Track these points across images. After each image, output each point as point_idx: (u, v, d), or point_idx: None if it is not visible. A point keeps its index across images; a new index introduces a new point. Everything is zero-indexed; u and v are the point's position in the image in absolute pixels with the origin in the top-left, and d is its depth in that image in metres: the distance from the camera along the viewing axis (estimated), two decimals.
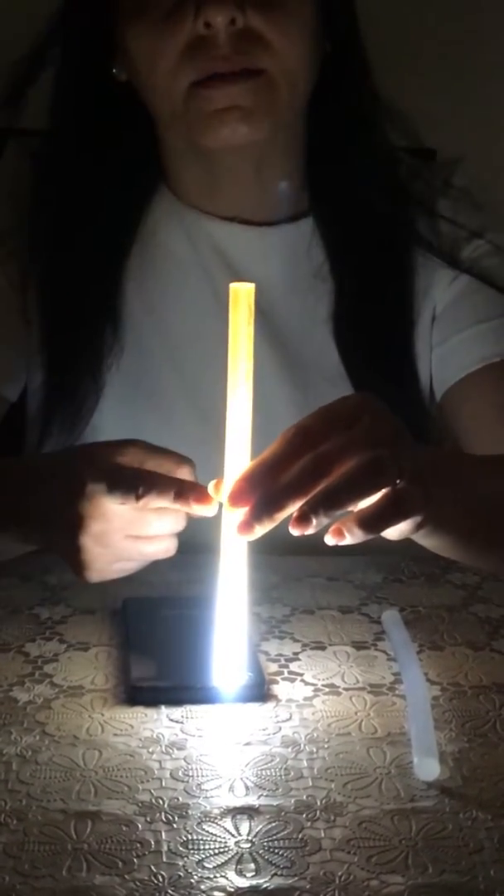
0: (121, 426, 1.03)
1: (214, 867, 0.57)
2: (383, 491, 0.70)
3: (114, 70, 0.98)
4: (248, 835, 0.59)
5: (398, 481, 0.70)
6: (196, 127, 0.94)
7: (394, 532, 0.73)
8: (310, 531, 0.68)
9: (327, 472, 0.68)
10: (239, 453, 0.70)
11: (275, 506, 0.68)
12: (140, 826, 0.60)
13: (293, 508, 0.68)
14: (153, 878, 0.56)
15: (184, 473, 0.75)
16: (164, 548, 0.77)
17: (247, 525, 0.69)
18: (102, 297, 1.02)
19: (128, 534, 0.75)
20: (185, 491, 0.73)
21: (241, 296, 0.70)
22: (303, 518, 0.68)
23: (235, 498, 0.70)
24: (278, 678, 0.77)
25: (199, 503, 0.73)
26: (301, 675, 0.77)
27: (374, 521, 0.69)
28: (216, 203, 1.03)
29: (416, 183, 1.05)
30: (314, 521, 0.68)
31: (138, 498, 0.72)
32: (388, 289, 1.04)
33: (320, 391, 0.75)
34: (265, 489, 0.69)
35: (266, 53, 0.92)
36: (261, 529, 0.69)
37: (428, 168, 1.08)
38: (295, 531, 0.68)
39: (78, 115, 1.00)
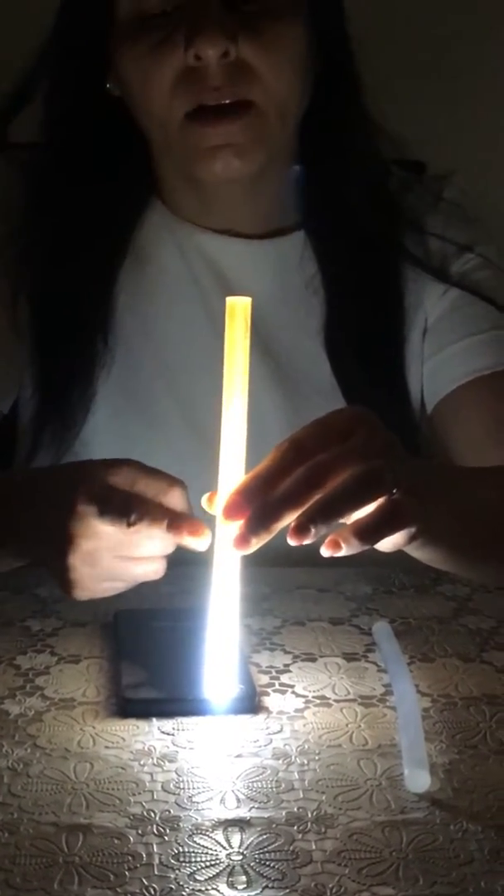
0: (112, 440, 1.03)
1: (206, 879, 0.57)
2: (378, 502, 0.70)
3: (108, 85, 0.98)
4: (239, 847, 0.59)
5: (393, 492, 0.70)
6: (190, 160, 0.96)
7: (387, 544, 0.73)
8: (307, 541, 0.68)
9: (322, 483, 0.69)
10: (233, 466, 0.71)
11: (270, 518, 0.68)
12: (131, 839, 0.60)
13: (288, 520, 0.69)
14: (145, 891, 0.56)
15: (175, 495, 0.74)
16: (154, 569, 0.76)
17: (243, 539, 0.69)
18: (94, 310, 1.02)
19: (117, 554, 0.75)
20: (179, 522, 0.72)
21: (238, 310, 0.70)
22: (301, 528, 0.68)
23: (229, 511, 0.70)
24: (269, 690, 0.77)
25: (193, 535, 0.73)
26: (292, 686, 0.78)
27: (370, 531, 0.70)
28: (208, 217, 1.04)
29: (408, 197, 1.06)
30: (312, 530, 0.68)
31: (129, 525, 0.72)
32: (379, 302, 1.05)
33: (312, 404, 0.76)
34: (260, 502, 0.69)
35: (256, 85, 0.93)
36: (257, 542, 0.69)
37: (420, 182, 1.09)
38: (293, 541, 0.68)
39: (71, 128, 1.00)
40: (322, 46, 0.97)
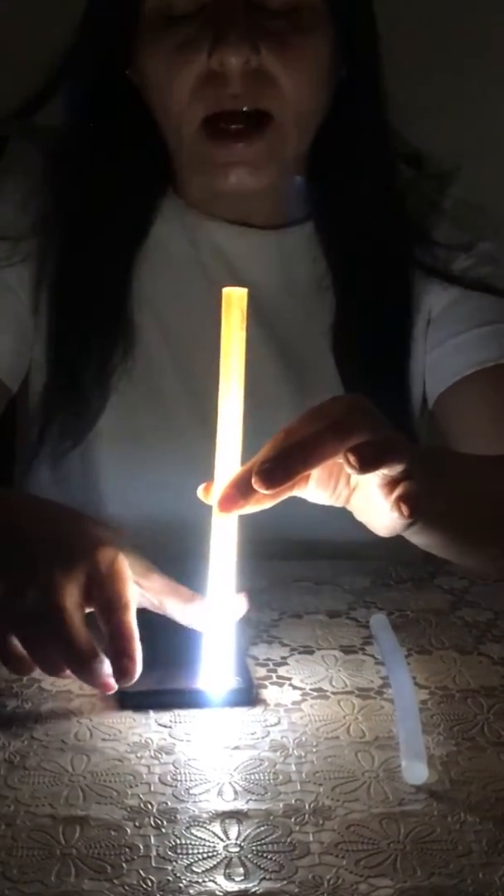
0: (122, 431, 1.03)
1: (203, 871, 0.57)
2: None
3: (126, 72, 0.98)
4: (236, 839, 0.59)
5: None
6: (204, 171, 0.96)
7: (386, 524, 0.72)
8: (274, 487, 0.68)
9: (343, 439, 0.68)
10: (230, 457, 0.70)
11: (289, 466, 0.68)
12: (129, 831, 0.60)
13: (303, 472, 0.69)
14: (142, 883, 0.56)
15: (154, 578, 0.76)
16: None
17: (266, 482, 0.68)
18: (112, 299, 1.03)
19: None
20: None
21: (234, 300, 0.70)
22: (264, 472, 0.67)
23: (225, 503, 0.70)
24: (267, 682, 0.77)
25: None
26: (289, 679, 0.78)
27: (365, 450, 0.68)
28: (219, 207, 1.04)
29: (412, 196, 1.06)
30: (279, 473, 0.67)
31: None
32: (387, 302, 1.05)
33: (319, 394, 0.75)
34: (283, 448, 0.68)
35: (276, 97, 0.93)
36: (271, 497, 0.69)
37: (425, 178, 1.09)
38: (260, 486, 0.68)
39: (92, 116, 1.00)
40: (348, 54, 0.97)
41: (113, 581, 0.71)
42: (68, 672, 0.70)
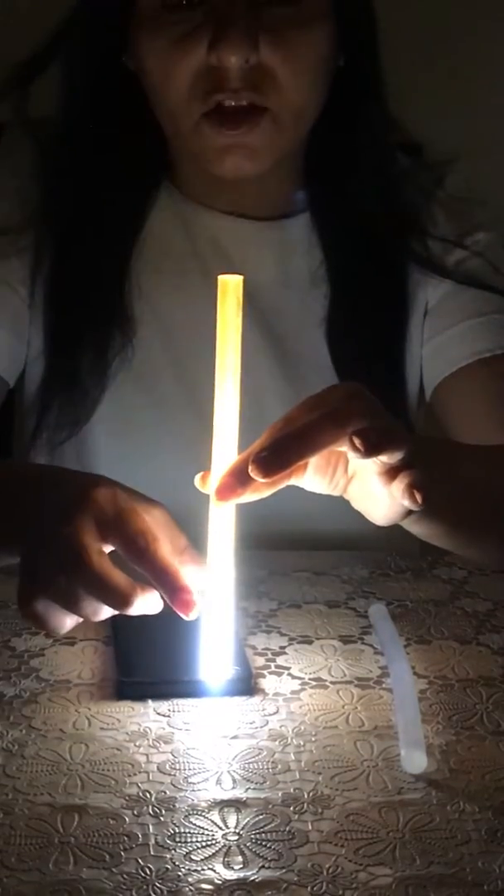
0: (117, 421, 1.03)
1: (202, 860, 0.57)
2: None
3: (122, 59, 0.97)
4: (235, 828, 0.59)
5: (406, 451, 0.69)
6: (201, 156, 0.96)
7: (384, 513, 0.72)
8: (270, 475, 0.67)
9: (343, 425, 0.67)
10: (226, 447, 0.70)
11: (284, 458, 0.68)
12: (127, 819, 0.60)
13: (300, 460, 0.68)
14: (140, 871, 0.56)
15: (156, 514, 0.72)
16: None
17: (262, 470, 0.67)
18: (109, 289, 1.02)
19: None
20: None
21: (230, 287, 0.69)
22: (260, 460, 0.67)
23: (222, 492, 0.69)
24: (265, 672, 0.77)
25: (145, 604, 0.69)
26: (288, 668, 0.77)
27: (370, 434, 0.67)
28: (215, 198, 1.04)
29: (410, 187, 1.05)
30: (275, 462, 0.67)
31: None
32: (383, 295, 1.04)
33: (314, 385, 0.75)
34: (277, 438, 0.68)
35: (274, 91, 0.92)
36: (268, 486, 0.68)
37: (423, 169, 1.08)
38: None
39: (88, 102, 0.99)
40: (347, 45, 0.97)
41: (126, 516, 0.69)
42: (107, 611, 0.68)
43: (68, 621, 0.69)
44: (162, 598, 0.68)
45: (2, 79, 0.99)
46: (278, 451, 0.67)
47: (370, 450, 0.67)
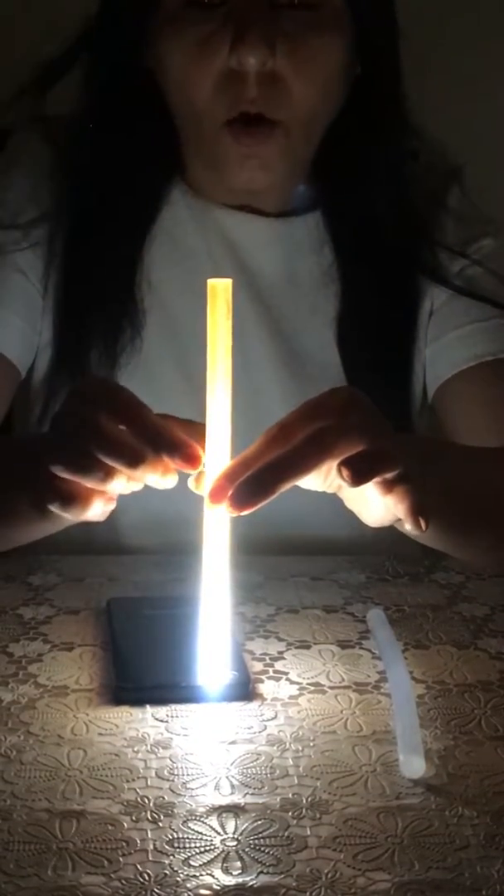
0: None
1: (200, 865, 0.57)
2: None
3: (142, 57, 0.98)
4: (234, 833, 0.59)
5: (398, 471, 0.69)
6: (217, 163, 0.97)
7: (376, 516, 0.72)
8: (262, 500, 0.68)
9: (328, 451, 0.69)
10: (219, 449, 0.70)
11: (268, 484, 0.69)
12: (125, 825, 0.60)
13: (283, 487, 0.69)
14: (139, 877, 0.56)
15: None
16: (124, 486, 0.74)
17: (236, 503, 0.69)
18: (120, 283, 1.03)
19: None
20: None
21: (219, 291, 0.69)
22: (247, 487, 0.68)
23: (216, 495, 0.70)
24: (263, 677, 0.77)
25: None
26: (286, 673, 0.77)
27: (359, 463, 0.69)
28: (227, 194, 1.04)
29: (419, 191, 1.05)
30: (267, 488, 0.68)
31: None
32: (392, 291, 1.04)
33: (320, 385, 0.75)
34: (259, 467, 0.69)
35: (286, 103, 0.93)
36: (250, 507, 0.69)
37: (432, 174, 1.08)
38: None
39: (106, 99, 1.00)
40: (366, 53, 0.97)
41: (116, 389, 0.73)
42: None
43: (88, 497, 0.72)
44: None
45: (25, 83, 1.00)
46: (256, 482, 0.68)
47: (358, 479, 0.68)
